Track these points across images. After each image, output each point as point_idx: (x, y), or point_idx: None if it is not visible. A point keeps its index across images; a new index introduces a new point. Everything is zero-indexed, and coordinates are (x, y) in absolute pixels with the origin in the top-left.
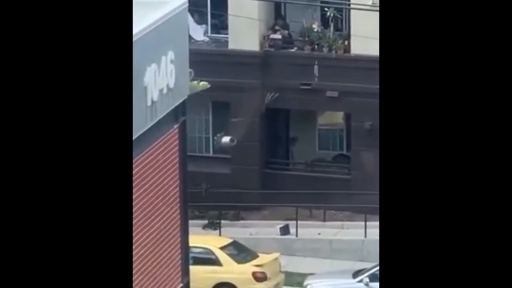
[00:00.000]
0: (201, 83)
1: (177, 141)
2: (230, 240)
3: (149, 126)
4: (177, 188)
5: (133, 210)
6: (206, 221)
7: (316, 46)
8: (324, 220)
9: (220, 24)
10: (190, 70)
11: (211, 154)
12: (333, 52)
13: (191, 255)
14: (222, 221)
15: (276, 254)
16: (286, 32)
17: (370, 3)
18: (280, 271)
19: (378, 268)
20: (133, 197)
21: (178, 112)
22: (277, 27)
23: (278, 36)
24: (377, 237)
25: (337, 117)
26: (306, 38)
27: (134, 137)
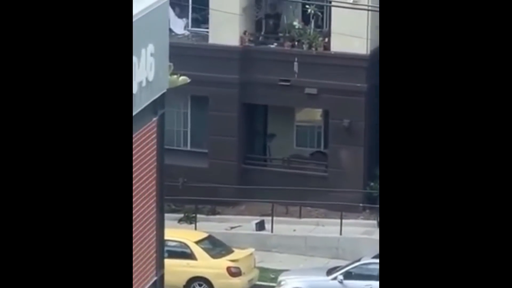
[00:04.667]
0: (181, 77)
1: (155, 134)
2: (205, 235)
3: None
4: (154, 181)
5: None
6: (182, 215)
7: (296, 43)
8: (300, 217)
9: (201, 18)
10: (170, 64)
11: (188, 148)
12: (313, 49)
13: (166, 248)
14: (198, 216)
15: (251, 250)
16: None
17: (351, 1)
18: (255, 267)
19: (352, 266)
20: None
21: (157, 105)
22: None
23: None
24: (352, 235)
25: (315, 114)
26: (287, 34)
27: None
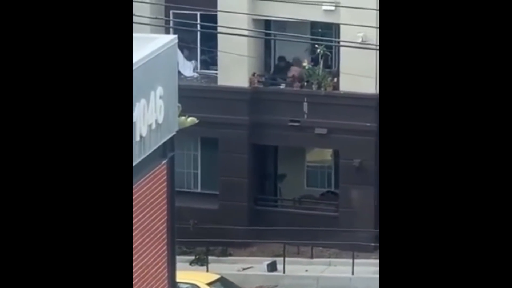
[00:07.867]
0: (189, 118)
1: (165, 177)
2: (217, 276)
3: (138, 161)
4: (165, 224)
5: None
6: (194, 257)
7: (305, 83)
8: (312, 257)
9: (209, 60)
10: (178, 104)
11: (199, 190)
12: (322, 89)
13: None
14: (210, 257)
15: None
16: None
17: (359, 40)
18: None
19: None
20: None
21: (167, 148)
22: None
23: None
24: (364, 275)
25: (326, 154)
26: (296, 75)
27: None
